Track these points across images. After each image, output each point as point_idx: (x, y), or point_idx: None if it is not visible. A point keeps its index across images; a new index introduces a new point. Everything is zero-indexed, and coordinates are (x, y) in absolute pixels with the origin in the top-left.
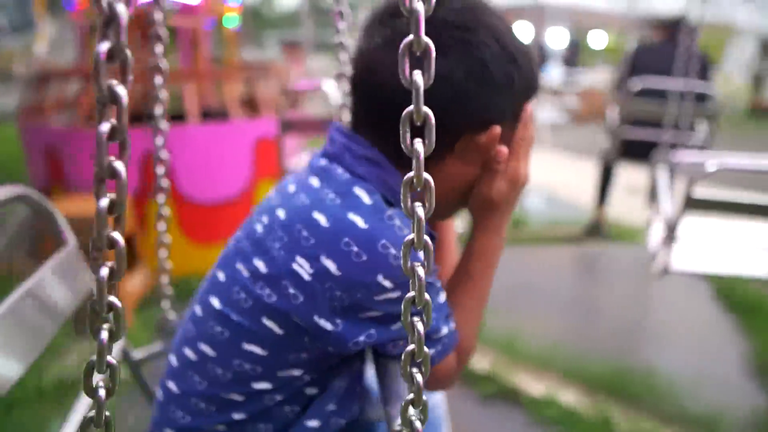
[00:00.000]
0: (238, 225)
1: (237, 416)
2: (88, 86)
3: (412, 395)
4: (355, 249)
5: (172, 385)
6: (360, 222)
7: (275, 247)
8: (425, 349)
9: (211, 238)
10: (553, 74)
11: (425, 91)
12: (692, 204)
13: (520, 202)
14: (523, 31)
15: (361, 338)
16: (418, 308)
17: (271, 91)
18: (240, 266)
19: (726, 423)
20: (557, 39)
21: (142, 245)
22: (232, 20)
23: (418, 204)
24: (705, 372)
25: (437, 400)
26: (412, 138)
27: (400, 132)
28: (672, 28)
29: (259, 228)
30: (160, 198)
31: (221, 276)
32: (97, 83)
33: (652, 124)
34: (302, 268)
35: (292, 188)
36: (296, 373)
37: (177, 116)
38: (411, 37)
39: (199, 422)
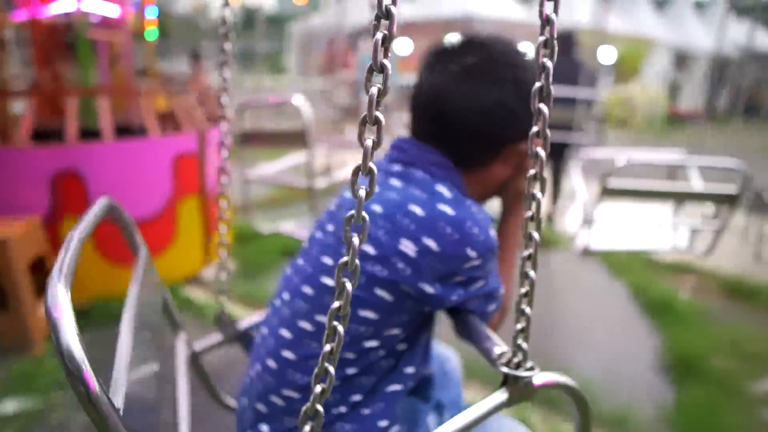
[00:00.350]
0: (161, 243)
1: (350, 371)
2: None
3: (521, 326)
4: (449, 230)
5: (288, 354)
6: (449, 210)
7: (380, 234)
8: (491, 306)
9: (130, 259)
10: None
11: (486, 111)
12: (607, 193)
13: None
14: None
15: (453, 297)
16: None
17: (191, 105)
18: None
19: (634, 420)
20: None
21: None
22: (151, 33)
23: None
24: (618, 371)
25: (452, 353)
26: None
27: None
28: (564, 41)
29: None
30: (223, 203)
31: (328, 261)
32: None
33: (553, 127)
34: (407, 247)
35: (375, 190)
36: (396, 332)
37: (94, 132)
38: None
39: None
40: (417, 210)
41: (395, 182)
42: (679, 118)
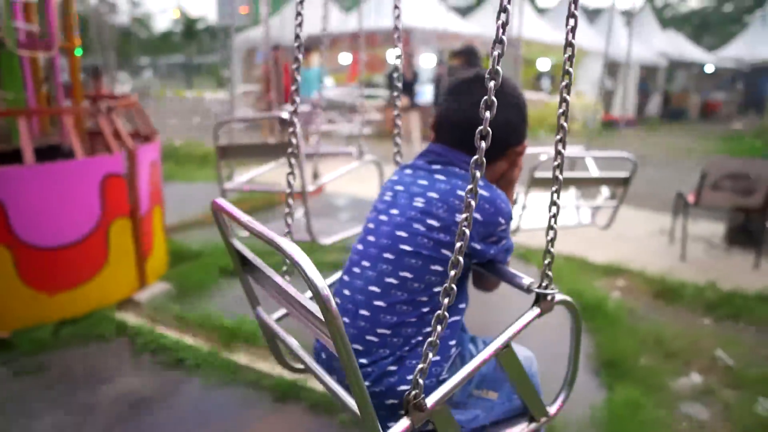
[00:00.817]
0: (91, 267)
1: (424, 309)
2: None
3: (548, 261)
4: (487, 206)
5: (379, 303)
6: (484, 192)
7: (440, 213)
8: (509, 257)
9: (59, 285)
10: (426, 94)
11: (498, 127)
12: (535, 182)
13: None
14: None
15: (491, 251)
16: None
17: (120, 124)
18: (417, 226)
19: (566, 420)
20: (427, 62)
21: None
22: (79, 50)
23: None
24: (553, 373)
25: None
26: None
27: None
28: (466, 55)
29: (419, 204)
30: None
31: (402, 234)
32: None
33: None
34: (460, 219)
35: (423, 182)
36: None
37: (16, 153)
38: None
39: (402, 318)
40: (463, 194)
41: (439, 176)
42: (613, 123)
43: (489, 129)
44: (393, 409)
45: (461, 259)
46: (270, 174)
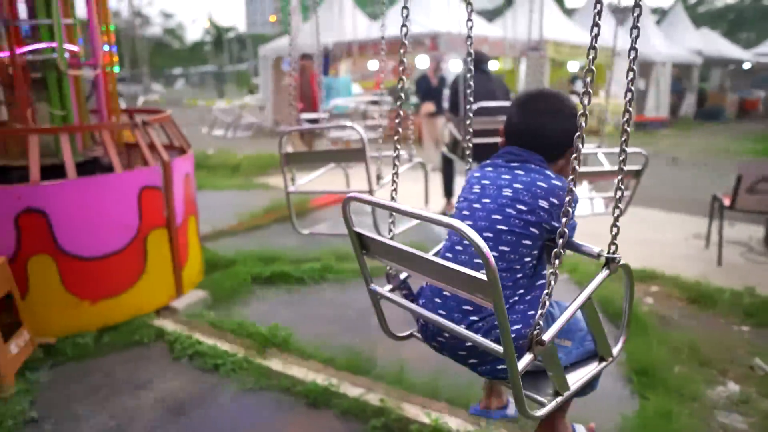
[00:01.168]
0: (130, 276)
1: (518, 275)
2: None
3: (615, 231)
4: (561, 193)
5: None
6: (558, 183)
7: (526, 199)
8: (574, 233)
9: (100, 293)
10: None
11: (559, 132)
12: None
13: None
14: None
15: (566, 229)
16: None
17: (156, 137)
18: (509, 210)
19: (597, 429)
20: (456, 67)
21: (23, 308)
22: (115, 67)
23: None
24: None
25: None
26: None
27: (572, 156)
28: (476, 61)
29: (507, 193)
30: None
31: (497, 216)
32: None
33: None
34: (544, 203)
35: (506, 177)
36: (536, 251)
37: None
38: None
39: (501, 282)
40: (542, 184)
41: (519, 172)
42: (646, 124)
43: (552, 133)
44: None
45: (567, 230)
46: (319, 179)
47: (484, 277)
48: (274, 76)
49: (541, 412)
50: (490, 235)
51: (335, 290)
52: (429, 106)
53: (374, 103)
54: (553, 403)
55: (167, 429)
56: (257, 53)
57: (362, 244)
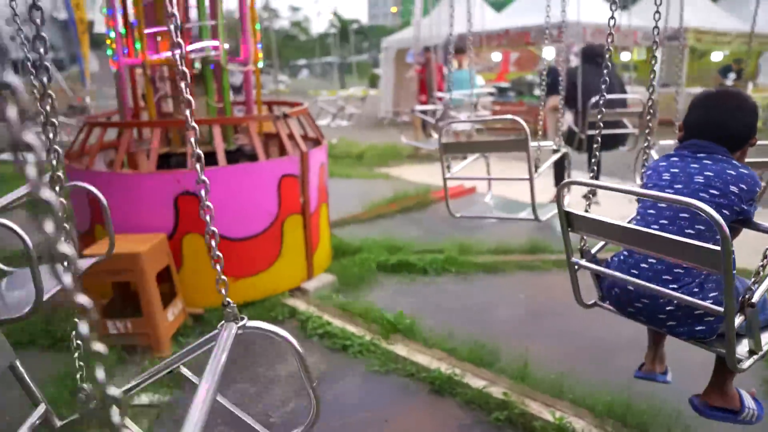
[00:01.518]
0: (268, 258)
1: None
2: (128, 133)
3: None
4: (749, 180)
5: (658, 267)
6: (745, 171)
7: (718, 185)
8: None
9: (243, 271)
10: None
11: (742, 127)
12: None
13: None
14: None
15: (752, 210)
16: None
17: (294, 129)
18: (703, 195)
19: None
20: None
21: (179, 280)
22: (260, 62)
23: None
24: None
25: None
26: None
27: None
28: (591, 54)
29: (699, 180)
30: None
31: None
32: None
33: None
34: (734, 188)
35: (695, 165)
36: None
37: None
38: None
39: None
40: (732, 172)
41: (707, 161)
42: None
43: (736, 128)
44: (699, 317)
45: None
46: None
47: (717, 248)
48: (395, 68)
49: (746, 364)
50: (687, 215)
51: (457, 282)
52: (555, 100)
53: (491, 94)
54: (754, 358)
55: (300, 401)
56: (378, 44)
57: (568, 221)
